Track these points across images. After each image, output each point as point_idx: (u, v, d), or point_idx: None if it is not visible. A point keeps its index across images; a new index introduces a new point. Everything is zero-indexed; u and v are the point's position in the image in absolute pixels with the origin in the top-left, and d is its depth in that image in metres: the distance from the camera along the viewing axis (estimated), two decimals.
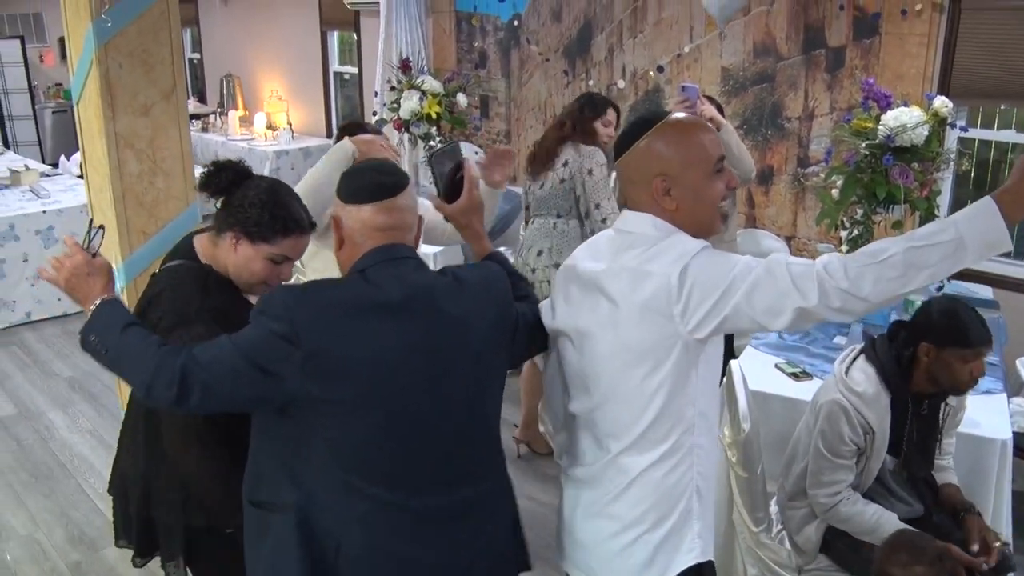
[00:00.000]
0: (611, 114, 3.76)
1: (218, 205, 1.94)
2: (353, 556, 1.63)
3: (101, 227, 1.85)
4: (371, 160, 1.93)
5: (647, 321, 1.60)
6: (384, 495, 1.63)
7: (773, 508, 2.71)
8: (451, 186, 1.94)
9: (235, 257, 1.92)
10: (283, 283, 1.94)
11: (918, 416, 2.43)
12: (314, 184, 2.47)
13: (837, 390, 2.39)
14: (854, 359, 2.46)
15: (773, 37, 4.94)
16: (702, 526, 1.71)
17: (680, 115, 1.73)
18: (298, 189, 2.36)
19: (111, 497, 2.18)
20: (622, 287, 1.63)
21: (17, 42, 9.87)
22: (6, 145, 9.02)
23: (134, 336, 1.64)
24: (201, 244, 2.00)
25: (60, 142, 9.86)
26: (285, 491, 1.64)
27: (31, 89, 9.95)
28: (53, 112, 10.21)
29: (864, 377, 2.38)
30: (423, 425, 1.63)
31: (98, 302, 1.72)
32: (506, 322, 1.76)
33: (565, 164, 3.69)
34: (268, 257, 1.90)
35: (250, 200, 1.88)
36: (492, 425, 1.80)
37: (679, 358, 1.61)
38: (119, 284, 3.17)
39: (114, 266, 3.17)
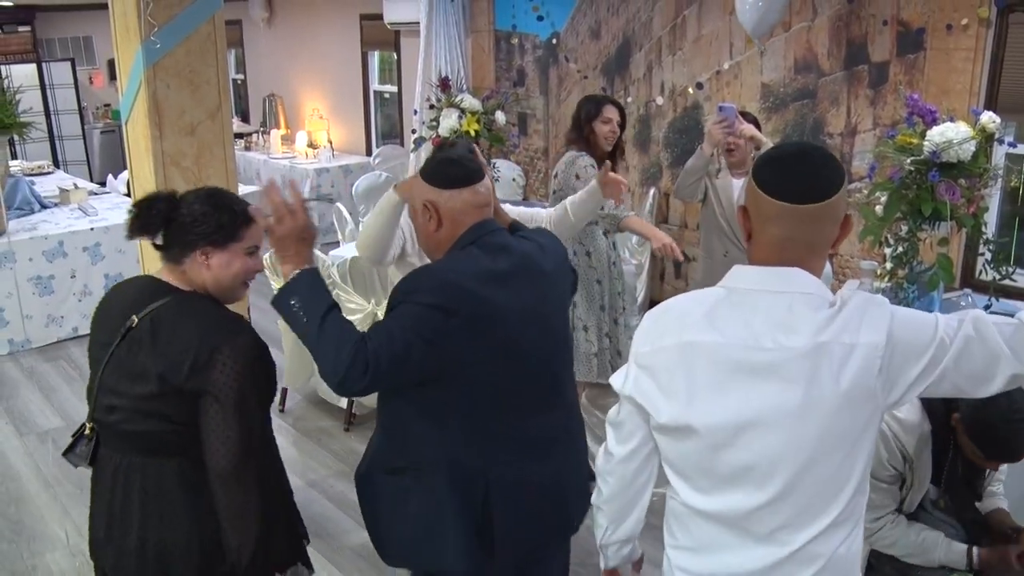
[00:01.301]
0: (609, 111, 3.69)
1: (159, 241, 1.92)
2: (502, 485, 1.95)
3: (332, 200, 1.96)
4: (448, 151, 2.14)
5: (851, 403, 1.39)
6: (516, 423, 1.98)
7: None
8: None
9: (210, 271, 1.90)
10: (416, 268, 2.04)
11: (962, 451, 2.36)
12: (375, 234, 2.55)
13: None
14: None
15: (814, 53, 4.90)
16: None
17: None
18: (359, 241, 2.58)
19: None
20: (823, 367, 1.38)
21: (68, 64, 10.15)
22: (56, 164, 9.24)
23: (336, 321, 1.78)
24: (171, 278, 1.94)
25: (107, 161, 10.10)
26: (431, 449, 1.93)
27: (80, 110, 10.21)
28: (101, 132, 10.47)
29: (907, 403, 2.32)
30: (538, 361, 2.01)
31: (305, 268, 1.81)
32: (568, 273, 2.21)
33: (556, 176, 3.74)
34: (245, 252, 1.93)
35: (198, 212, 1.88)
36: (571, 358, 2.23)
37: (875, 429, 1.44)
38: None
39: None
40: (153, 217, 1.89)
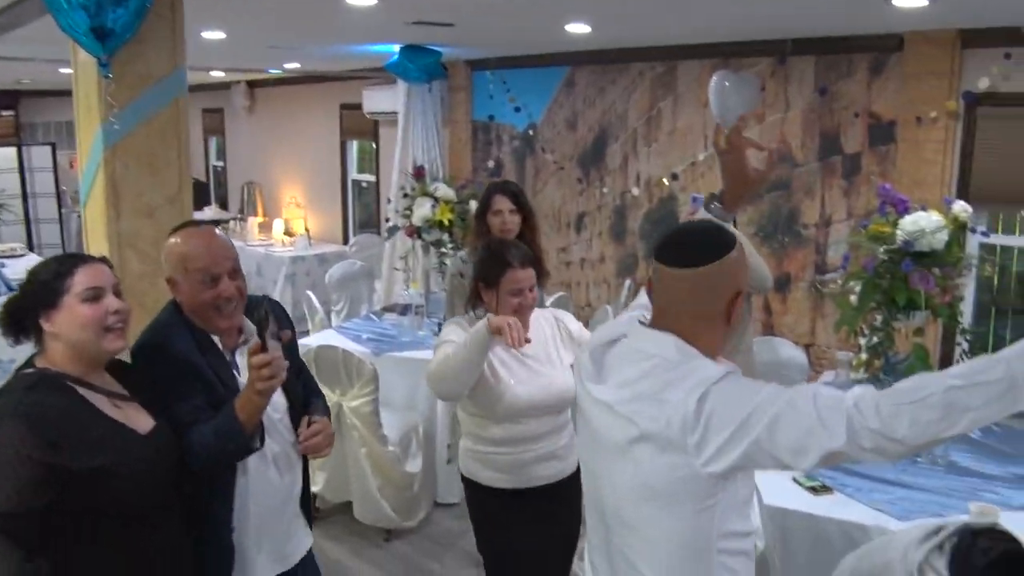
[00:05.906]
0: (498, 201, 3.46)
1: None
2: None
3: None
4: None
5: (664, 453, 1.46)
6: None
7: None
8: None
9: (60, 336, 1.79)
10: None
11: None
12: (460, 369, 2.39)
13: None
14: (937, 546, 1.91)
15: (788, 144, 4.93)
16: None
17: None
18: (434, 374, 2.42)
19: None
20: (641, 412, 1.49)
21: (48, 148, 10.15)
22: (31, 248, 9.13)
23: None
24: (43, 363, 1.84)
25: (83, 245, 10.00)
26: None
27: (58, 193, 10.17)
28: (78, 216, 10.37)
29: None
30: None
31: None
32: None
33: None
34: (81, 300, 1.79)
35: (28, 286, 1.82)
36: None
37: (695, 494, 1.48)
38: None
39: None
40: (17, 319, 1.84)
